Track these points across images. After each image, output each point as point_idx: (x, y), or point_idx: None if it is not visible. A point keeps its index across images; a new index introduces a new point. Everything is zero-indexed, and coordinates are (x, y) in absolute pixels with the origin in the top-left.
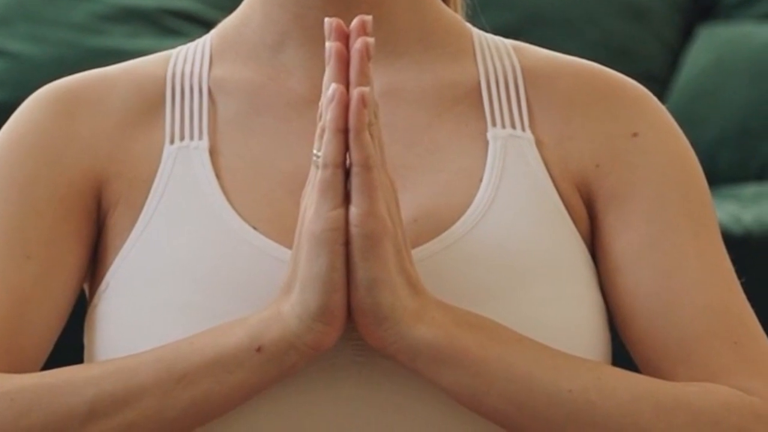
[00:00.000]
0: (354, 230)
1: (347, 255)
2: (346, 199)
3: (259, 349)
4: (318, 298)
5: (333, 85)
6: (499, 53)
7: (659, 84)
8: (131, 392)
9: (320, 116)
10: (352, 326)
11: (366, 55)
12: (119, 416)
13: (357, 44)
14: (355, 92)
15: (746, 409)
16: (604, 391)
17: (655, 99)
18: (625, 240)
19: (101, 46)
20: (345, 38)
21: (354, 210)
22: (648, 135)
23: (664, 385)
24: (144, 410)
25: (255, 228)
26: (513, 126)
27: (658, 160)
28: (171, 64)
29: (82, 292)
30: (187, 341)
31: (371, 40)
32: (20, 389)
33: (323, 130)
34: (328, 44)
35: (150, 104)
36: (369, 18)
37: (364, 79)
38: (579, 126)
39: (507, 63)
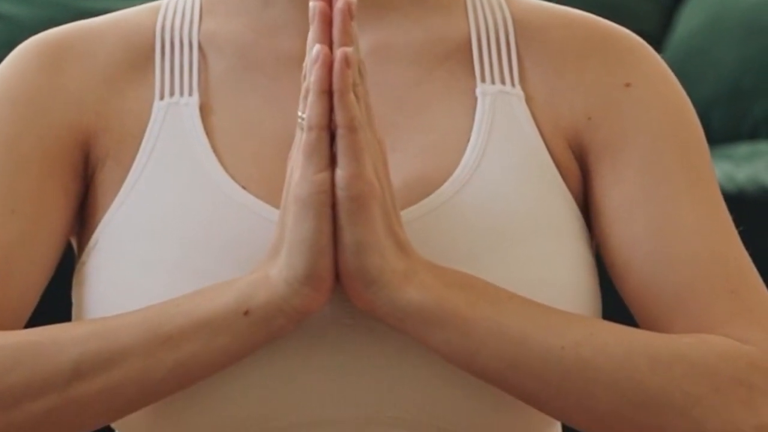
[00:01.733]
0: (340, 193)
1: (334, 218)
2: (333, 162)
3: (246, 313)
4: (305, 262)
5: (316, 46)
6: (491, 5)
7: (652, 43)
8: (116, 353)
9: (304, 77)
10: (340, 289)
11: (348, 14)
12: (104, 376)
13: (338, 3)
14: (338, 53)
15: (743, 359)
16: (598, 347)
17: (649, 48)
18: (619, 191)
19: (92, 7)
20: None
21: (340, 173)
22: (642, 85)
23: (659, 338)
24: (129, 371)
25: (244, 187)
26: (503, 82)
27: (652, 109)
28: (160, 17)
29: (70, 250)
30: (173, 303)
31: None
32: (3, 347)
33: (308, 92)
34: (311, 4)
35: (139, 58)
36: None
37: (347, 39)
38: (571, 79)
39: (498, 15)
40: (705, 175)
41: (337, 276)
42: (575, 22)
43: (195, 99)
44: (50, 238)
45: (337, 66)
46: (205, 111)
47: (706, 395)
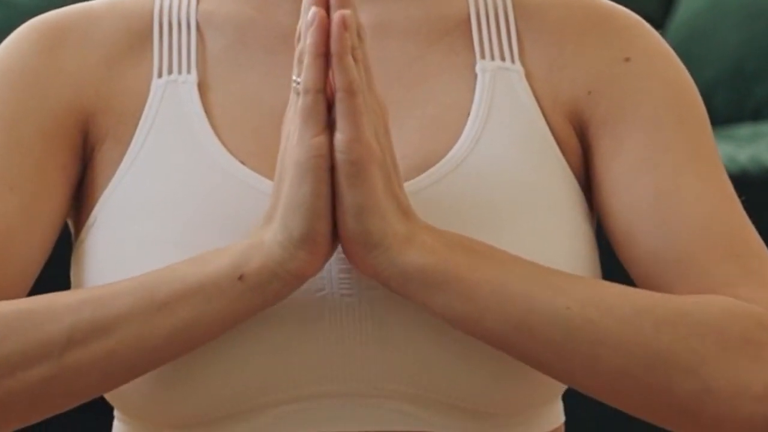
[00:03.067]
0: (339, 156)
1: (333, 182)
2: (330, 125)
3: (241, 278)
4: (301, 225)
5: (312, 9)
6: None
7: (654, 26)
8: (111, 319)
9: (298, 39)
10: (339, 261)
11: None
12: (99, 343)
13: None
14: (335, 15)
15: (750, 318)
16: (603, 307)
17: (647, 25)
18: (620, 162)
19: None
20: None
21: (339, 136)
22: (641, 59)
23: (665, 298)
24: (124, 338)
25: (243, 163)
26: (502, 58)
27: (651, 82)
28: None
29: (68, 232)
30: (169, 269)
31: None
32: None
33: (302, 55)
34: None
35: (137, 38)
36: None
37: (345, 2)
38: (570, 54)
39: None
40: (706, 143)
41: (337, 240)
42: (574, 2)
43: (193, 76)
44: (49, 216)
45: (335, 28)
46: (203, 88)
47: (713, 353)
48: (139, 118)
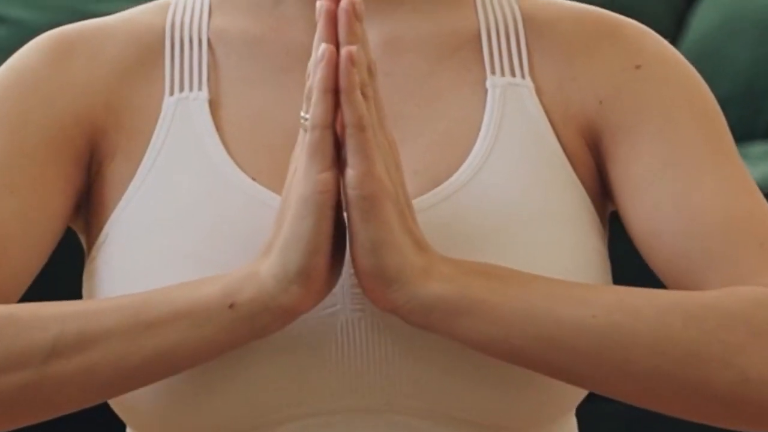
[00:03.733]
0: (352, 192)
1: (341, 219)
2: (338, 163)
3: (231, 306)
4: (298, 260)
5: (322, 45)
6: (500, 0)
7: None
8: (96, 334)
9: (308, 77)
10: (352, 274)
11: (353, 12)
12: (82, 356)
13: (343, 3)
14: (343, 51)
15: None
16: (628, 311)
17: (655, 33)
18: (639, 165)
19: (100, 11)
20: None
21: (350, 171)
22: (651, 65)
23: (689, 295)
24: (107, 353)
25: (254, 179)
26: (513, 74)
27: (663, 85)
28: (170, 14)
29: (79, 247)
30: (161, 290)
31: None
32: None
33: (311, 92)
34: (318, 3)
35: (149, 54)
36: None
37: (353, 38)
38: (580, 66)
39: (507, 10)
40: (723, 139)
41: (333, 279)
42: (584, 15)
43: (204, 94)
44: (48, 222)
45: (342, 64)
46: (214, 105)
47: (745, 342)
48: (150, 136)
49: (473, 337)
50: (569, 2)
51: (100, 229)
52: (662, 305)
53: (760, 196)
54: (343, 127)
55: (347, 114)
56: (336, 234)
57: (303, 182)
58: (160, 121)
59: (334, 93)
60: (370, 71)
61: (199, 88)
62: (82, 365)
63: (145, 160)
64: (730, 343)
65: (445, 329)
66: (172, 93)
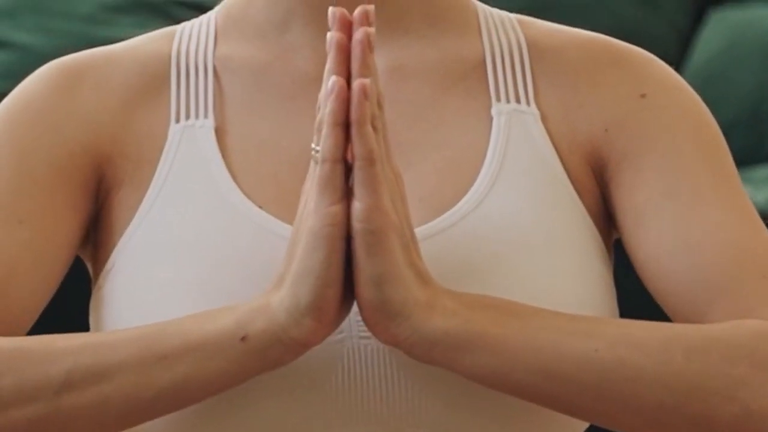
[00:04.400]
0: (358, 226)
1: (350, 252)
2: (347, 195)
3: (243, 339)
4: (310, 293)
5: (333, 78)
6: (504, 28)
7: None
8: (109, 367)
9: (319, 108)
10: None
11: (368, 45)
12: (94, 389)
13: (357, 35)
14: (355, 84)
15: None
16: (632, 344)
17: (660, 62)
18: (642, 194)
19: (108, 37)
20: (348, 28)
21: (357, 205)
22: (656, 94)
23: (691, 328)
24: (120, 386)
25: (260, 207)
26: (518, 101)
27: (668, 115)
28: (176, 42)
29: (86, 275)
30: (174, 322)
31: (372, 30)
32: None
33: (321, 124)
34: (329, 34)
35: (155, 82)
36: (371, 8)
37: (366, 71)
38: (586, 94)
39: (512, 37)
40: (727, 169)
41: (344, 311)
42: (588, 43)
43: (210, 121)
44: (57, 252)
45: (355, 98)
46: (220, 133)
47: (748, 375)
48: (156, 164)
49: (476, 372)
50: (573, 29)
51: (107, 257)
52: (665, 338)
53: (763, 227)
54: (353, 159)
55: (358, 147)
56: (347, 265)
57: (313, 215)
58: (166, 148)
59: (345, 126)
60: (380, 104)
61: (205, 116)
62: (96, 398)
63: (151, 188)
64: (733, 376)
65: (448, 363)
66: (178, 120)
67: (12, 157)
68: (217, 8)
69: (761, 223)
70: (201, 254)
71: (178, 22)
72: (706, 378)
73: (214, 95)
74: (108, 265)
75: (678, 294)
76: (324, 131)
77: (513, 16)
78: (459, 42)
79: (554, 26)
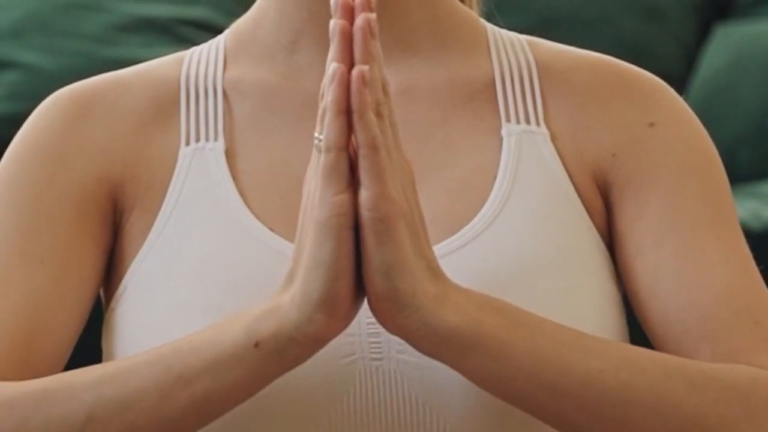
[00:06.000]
0: (365, 214)
1: (359, 241)
2: (352, 183)
3: (257, 345)
4: (320, 287)
5: (333, 65)
6: (514, 48)
7: (676, 83)
8: (129, 395)
9: (322, 97)
10: (370, 323)
11: (369, 31)
12: (119, 419)
13: (358, 21)
14: (354, 71)
15: None
16: (635, 370)
17: (671, 90)
18: (643, 224)
19: (116, 57)
20: (350, 15)
21: (364, 193)
22: (665, 124)
23: (692, 363)
24: (143, 412)
25: (272, 229)
26: (527, 121)
27: (675, 147)
28: (185, 66)
29: (98, 300)
30: (186, 340)
31: (373, 16)
32: (21, 395)
33: (324, 112)
34: (332, 22)
35: (164, 107)
36: None
37: (367, 57)
38: (595, 117)
39: (522, 58)
40: (727, 210)
41: (358, 302)
42: (598, 65)
43: (220, 144)
44: (81, 287)
45: (354, 85)
46: (230, 155)
47: (740, 419)
48: (167, 187)
49: (479, 374)
50: (583, 51)
51: (119, 281)
52: (668, 369)
53: (756, 270)
54: (356, 148)
55: (360, 135)
56: (358, 256)
57: (319, 206)
58: (176, 171)
59: (347, 114)
60: (385, 90)
61: (215, 138)
62: (122, 427)
63: (162, 211)
64: (726, 417)
65: (454, 362)
66: (188, 143)
67: (28, 197)
68: (226, 31)
69: (755, 268)
70: (212, 277)
71: (185, 41)
72: (702, 415)
73: (224, 117)
74: (120, 289)
75: (668, 329)
76: (327, 119)
77: (522, 37)
78: (468, 62)
79: (564, 48)
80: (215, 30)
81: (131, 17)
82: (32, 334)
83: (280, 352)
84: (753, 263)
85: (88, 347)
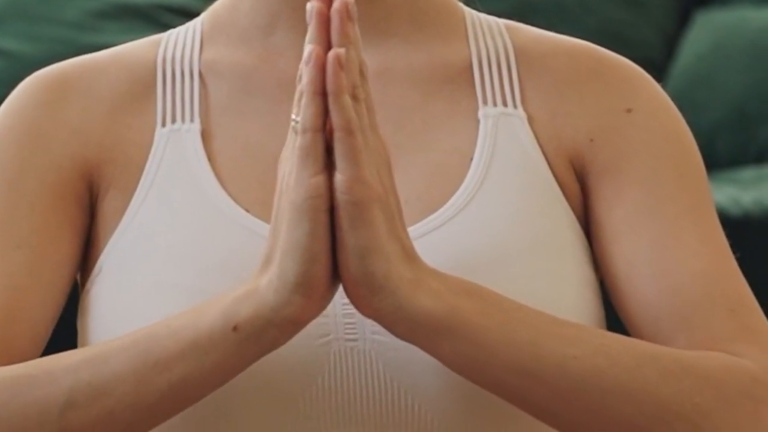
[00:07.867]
0: (340, 197)
1: (334, 224)
2: (329, 165)
3: (235, 328)
4: (297, 268)
5: (308, 47)
6: (492, 32)
7: (656, 70)
8: (107, 380)
9: (299, 79)
10: (345, 303)
11: (346, 14)
12: (97, 404)
13: (336, 4)
14: (330, 54)
15: (744, 373)
16: (611, 356)
17: (649, 77)
18: (620, 210)
19: (96, 43)
20: None
21: (339, 177)
22: (642, 111)
23: (667, 350)
24: (121, 397)
25: (247, 210)
26: (504, 104)
27: (652, 134)
28: (161, 48)
29: (76, 283)
30: (164, 324)
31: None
32: (1, 380)
33: (301, 94)
34: (309, 5)
35: (140, 88)
36: None
37: (344, 40)
38: (573, 103)
39: (499, 42)
40: (704, 198)
41: (335, 284)
42: (576, 50)
43: (196, 125)
44: (58, 270)
45: (329, 68)
46: (206, 136)
47: (715, 407)
48: (142, 168)
49: (454, 359)
50: (561, 36)
51: (95, 261)
52: (642, 356)
53: (732, 258)
54: (332, 130)
55: (335, 117)
56: (334, 238)
57: (295, 187)
58: (152, 152)
59: (323, 95)
60: (362, 73)
61: (191, 120)
62: (100, 413)
63: (137, 191)
64: (700, 405)
65: (428, 346)
66: (164, 124)
67: (3, 181)
68: (203, 14)
69: (731, 255)
70: (187, 258)
71: (165, 27)
72: (675, 403)
73: (200, 99)
74: (95, 270)
75: (644, 316)
76: (303, 101)
77: (501, 21)
78: (446, 46)
79: (542, 33)
80: (196, 16)
81: (111, 4)
82: (9, 318)
83: (257, 336)
84: (729, 251)
85: (68, 330)
